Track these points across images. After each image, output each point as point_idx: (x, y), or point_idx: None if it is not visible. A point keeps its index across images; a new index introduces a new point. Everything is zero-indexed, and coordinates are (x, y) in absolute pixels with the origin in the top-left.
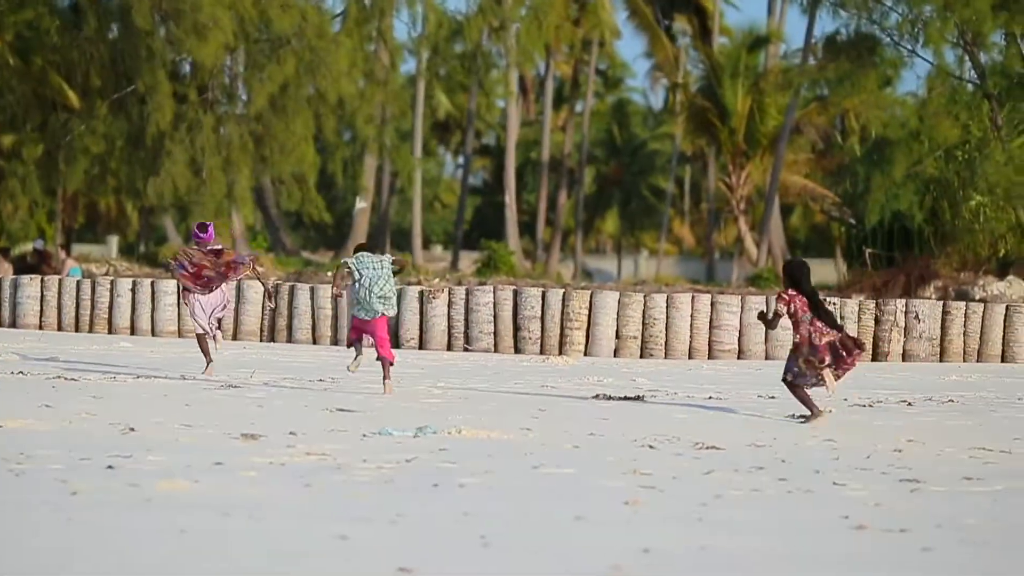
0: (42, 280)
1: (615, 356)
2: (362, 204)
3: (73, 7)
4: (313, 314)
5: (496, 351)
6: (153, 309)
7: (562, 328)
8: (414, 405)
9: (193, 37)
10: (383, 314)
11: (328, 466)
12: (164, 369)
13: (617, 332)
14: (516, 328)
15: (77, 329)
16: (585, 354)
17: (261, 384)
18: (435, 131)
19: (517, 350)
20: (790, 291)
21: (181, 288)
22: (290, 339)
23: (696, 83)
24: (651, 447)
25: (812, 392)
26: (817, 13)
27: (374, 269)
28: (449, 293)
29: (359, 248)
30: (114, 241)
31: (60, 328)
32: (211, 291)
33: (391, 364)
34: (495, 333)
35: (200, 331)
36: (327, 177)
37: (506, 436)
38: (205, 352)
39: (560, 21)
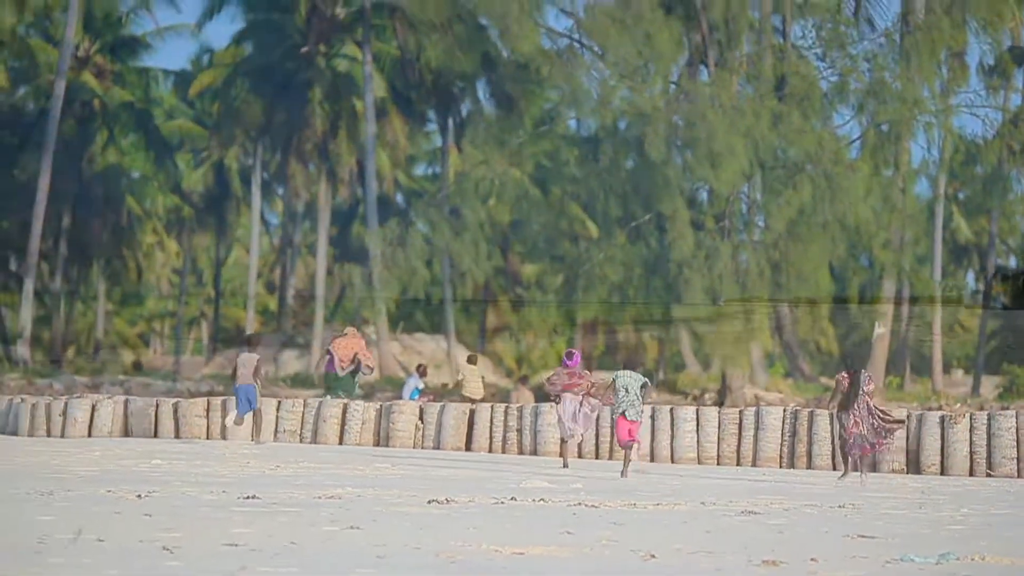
0: None
1: None
2: (881, 330)
3: (591, 137)
4: (832, 440)
5: (1020, 477)
6: (672, 436)
7: None
8: (937, 532)
9: (708, 165)
10: (637, 419)
11: None
12: (684, 495)
13: None
14: None
15: (597, 456)
16: None
17: (781, 510)
18: (953, 254)
19: None
20: (843, 373)
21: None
22: (809, 465)
23: None
24: None
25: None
26: None
27: (631, 379)
28: (971, 418)
29: (630, 361)
30: None
31: (579, 455)
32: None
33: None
34: (1018, 459)
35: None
36: (843, 302)
37: None
38: (563, 455)
39: None
